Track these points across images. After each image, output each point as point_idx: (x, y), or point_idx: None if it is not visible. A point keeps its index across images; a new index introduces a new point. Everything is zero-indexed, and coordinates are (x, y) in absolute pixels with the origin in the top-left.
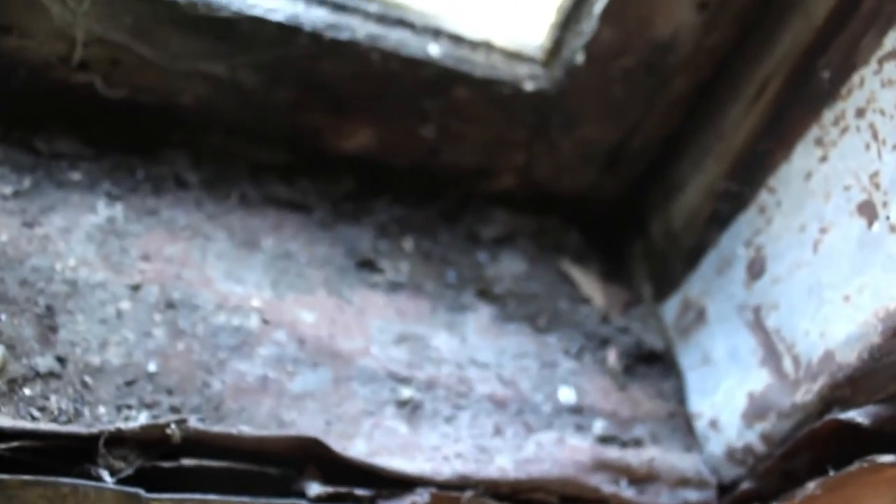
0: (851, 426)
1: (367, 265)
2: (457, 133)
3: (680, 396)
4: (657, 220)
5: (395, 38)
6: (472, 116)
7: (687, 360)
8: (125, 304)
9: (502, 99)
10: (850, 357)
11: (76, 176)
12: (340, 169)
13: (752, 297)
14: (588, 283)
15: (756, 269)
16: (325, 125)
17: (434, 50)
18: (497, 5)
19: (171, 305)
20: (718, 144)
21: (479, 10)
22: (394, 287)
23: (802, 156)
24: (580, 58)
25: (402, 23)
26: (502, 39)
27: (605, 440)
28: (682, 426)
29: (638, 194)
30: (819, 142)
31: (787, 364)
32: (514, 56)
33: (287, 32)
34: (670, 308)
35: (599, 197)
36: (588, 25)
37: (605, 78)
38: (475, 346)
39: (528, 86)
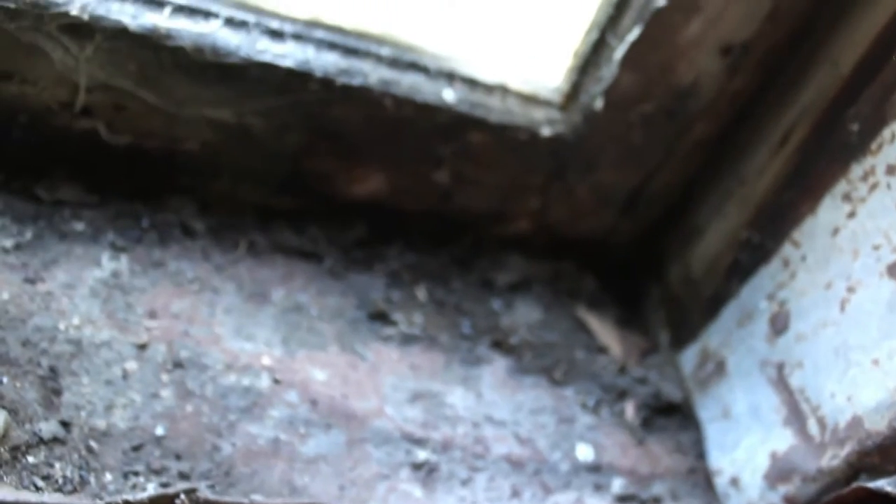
0: (881, 495)
1: (380, 317)
2: (471, 178)
3: (699, 450)
4: (675, 265)
5: (409, 82)
6: (487, 161)
7: (706, 412)
8: (132, 365)
9: (518, 144)
10: (879, 425)
11: (79, 226)
12: (351, 214)
13: (774, 352)
14: (604, 331)
15: (779, 325)
16: (336, 170)
17: (449, 95)
18: (512, 47)
19: (178, 365)
20: (740, 190)
21: (495, 51)
22: (407, 340)
23: (829, 210)
24: (599, 104)
25: (415, 66)
26: (518, 82)
27: (624, 500)
28: (701, 483)
29: (656, 238)
30: (847, 197)
31: (812, 426)
32: (531, 100)
33: (297, 78)
34: (688, 358)
35: (616, 241)
36: (608, 71)
37: (624, 123)
38: (491, 403)
39: (545, 131)
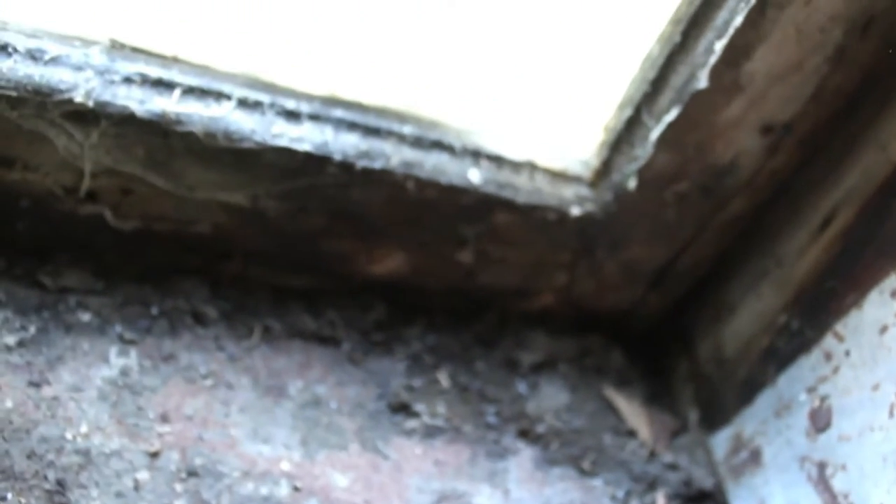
0: None
1: (402, 408)
2: (496, 257)
3: None
4: (705, 341)
5: (433, 163)
6: (513, 240)
7: (739, 503)
8: (143, 475)
9: (546, 224)
10: None
11: (85, 316)
12: (370, 294)
13: (815, 450)
14: (632, 412)
15: (821, 422)
16: (355, 251)
17: (474, 175)
18: (540, 119)
19: (193, 473)
20: (777, 271)
21: (522, 124)
22: (431, 432)
23: (877, 305)
24: (632, 183)
25: (439, 145)
26: (546, 157)
27: None
28: None
29: (685, 312)
30: None
31: None
32: (560, 176)
33: (315, 162)
34: (720, 442)
35: (643, 313)
36: (642, 150)
37: (657, 202)
38: (519, 501)
39: (575, 210)
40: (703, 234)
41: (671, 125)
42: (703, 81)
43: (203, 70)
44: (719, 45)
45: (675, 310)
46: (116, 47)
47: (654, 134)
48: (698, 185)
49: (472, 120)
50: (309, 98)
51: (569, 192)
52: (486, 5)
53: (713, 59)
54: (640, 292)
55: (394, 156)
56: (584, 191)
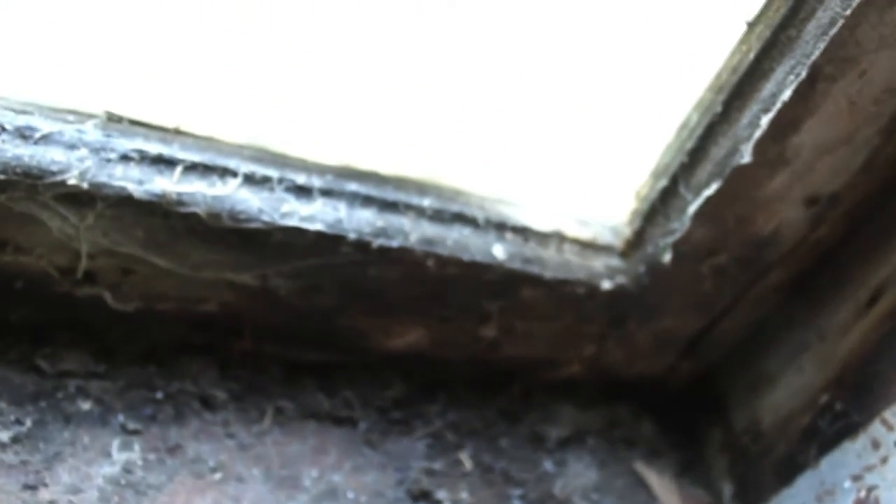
0: None
1: (423, 497)
2: (521, 330)
3: None
4: (741, 411)
5: (455, 238)
6: (540, 315)
7: None
8: None
9: (575, 298)
10: None
11: (86, 404)
12: (387, 370)
13: None
14: (664, 488)
15: None
16: (371, 327)
17: (499, 251)
18: (567, 184)
19: None
20: (819, 346)
21: (548, 190)
22: None
23: None
24: (667, 256)
25: (461, 218)
26: (574, 226)
27: None
28: None
29: (718, 379)
30: None
31: None
32: (589, 247)
33: (328, 241)
34: None
35: (675, 380)
36: (679, 223)
37: (693, 274)
38: None
39: (605, 284)
40: (741, 303)
41: (710, 199)
42: (746, 156)
43: (206, 143)
44: (766, 119)
45: (708, 376)
46: (113, 120)
47: (692, 207)
48: (737, 256)
49: (496, 187)
50: (321, 170)
51: (599, 263)
52: (508, 68)
53: (758, 133)
54: (671, 360)
55: (413, 232)
56: (615, 262)
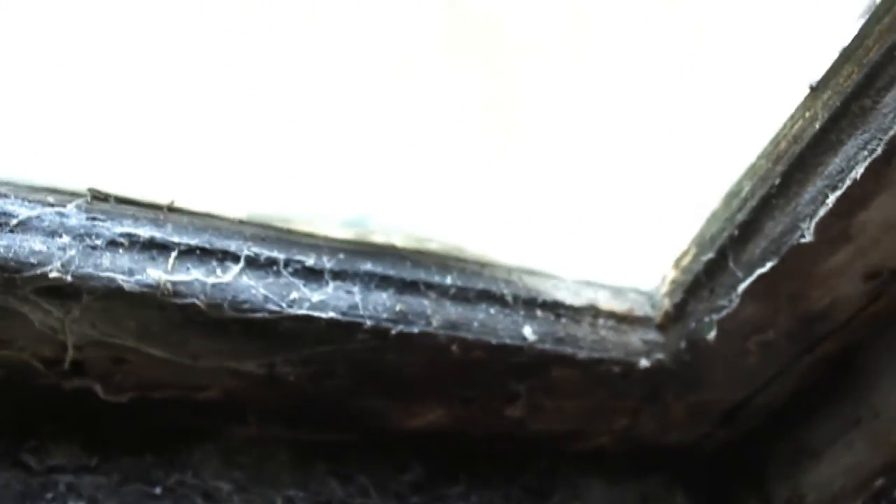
0: None
1: None
2: (550, 408)
3: None
4: (781, 485)
5: (481, 320)
6: (572, 393)
7: None
8: None
9: (610, 376)
10: None
11: None
12: (405, 451)
13: None
14: None
15: None
16: (387, 408)
17: (529, 331)
18: (600, 250)
19: None
20: (872, 423)
21: (579, 255)
22: None
23: None
24: (711, 333)
25: (488, 296)
26: (609, 298)
27: None
28: None
29: (757, 449)
30: None
31: None
32: (624, 319)
33: (342, 329)
34: None
35: (710, 449)
36: (727, 300)
37: (737, 350)
38: None
39: (643, 362)
40: (785, 374)
41: (763, 277)
42: (808, 235)
43: (203, 221)
44: (832, 198)
45: (745, 445)
46: (98, 199)
47: (743, 285)
48: (786, 332)
49: (524, 255)
50: (331, 248)
51: (635, 338)
52: (531, 129)
53: (823, 212)
54: (707, 428)
55: (435, 315)
56: (653, 335)
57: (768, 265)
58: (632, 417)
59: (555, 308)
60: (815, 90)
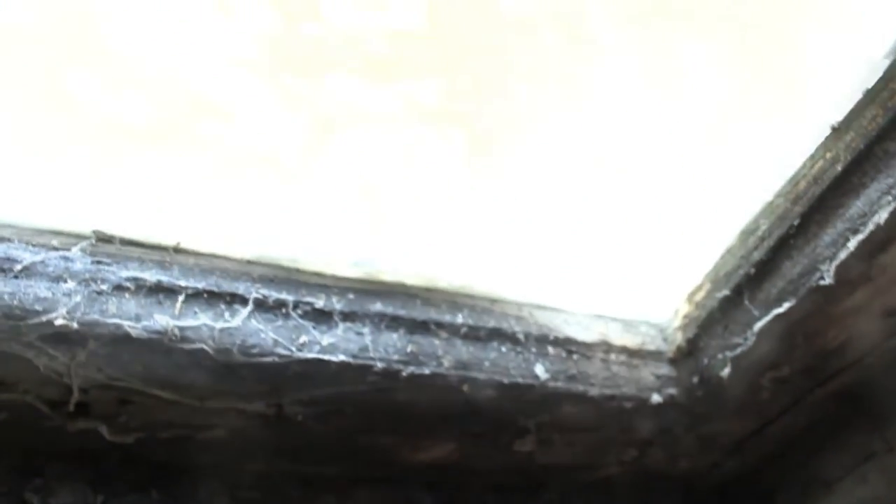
0: None
1: None
2: (560, 442)
3: None
4: None
5: (492, 360)
6: (582, 427)
7: None
8: None
9: (621, 412)
10: None
11: None
12: (413, 483)
13: None
14: None
15: None
16: (396, 444)
17: (541, 370)
18: (611, 284)
19: None
20: (887, 457)
21: (590, 289)
22: None
23: None
24: (725, 370)
25: (499, 335)
26: (620, 332)
27: None
28: None
29: (766, 477)
30: None
31: None
32: (636, 354)
33: (352, 371)
34: None
35: (718, 477)
36: (741, 338)
37: (750, 386)
38: None
39: (654, 398)
40: (798, 407)
41: (780, 316)
42: (828, 278)
43: (210, 262)
44: (854, 241)
45: (756, 475)
46: (103, 241)
47: (759, 324)
48: (801, 368)
49: (534, 290)
50: (340, 288)
51: (647, 373)
52: (535, 161)
53: (844, 254)
54: (716, 457)
55: (445, 356)
56: (665, 369)
57: (785, 305)
58: (641, 449)
59: (566, 344)
60: (837, 131)
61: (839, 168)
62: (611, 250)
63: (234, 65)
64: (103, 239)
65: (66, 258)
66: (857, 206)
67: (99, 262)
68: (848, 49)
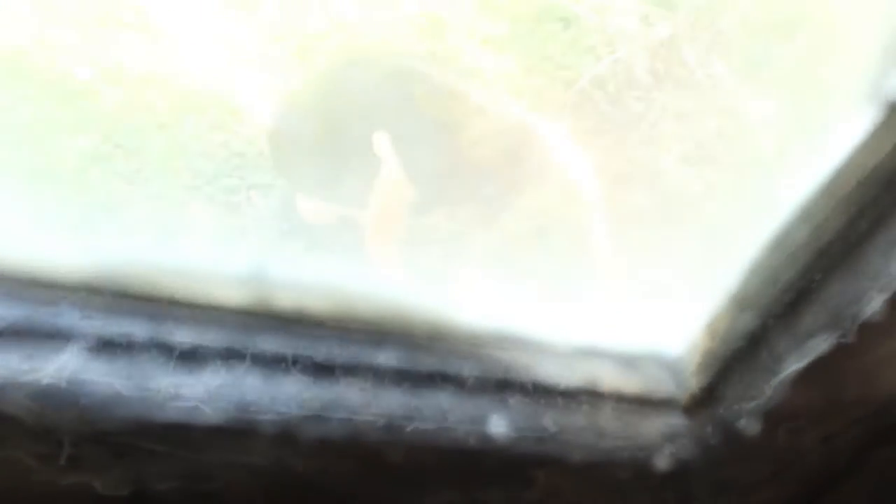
0: None
1: None
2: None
3: None
4: None
5: (416, 407)
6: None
7: None
8: None
9: (620, 481)
10: None
11: None
12: None
13: None
14: None
15: None
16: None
17: (498, 425)
18: (607, 304)
19: None
20: None
21: (582, 313)
22: None
23: None
24: (752, 427)
25: (440, 378)
26: (615, 372)
27: None
28: None
29: None
30: None
31: None
32: (645, 403)
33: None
34: None
35: None
36: (769, 387)
37: (789, 445)
38: None
39: (661, 462)
40: (849, 474)
41: (819, 360)
42: (877, 311)
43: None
44: None
45: None
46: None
47: (791, 367)
48: (853, 420)
49: (495, 317)
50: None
51: (653, 430)
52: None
53: None
54: None
55: (364, 409)
56: (677, 421)
57: (825, 345)
58: None
59: (537, 391)
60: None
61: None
62: (603, 262)
63: None
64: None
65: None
66: None
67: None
68: None
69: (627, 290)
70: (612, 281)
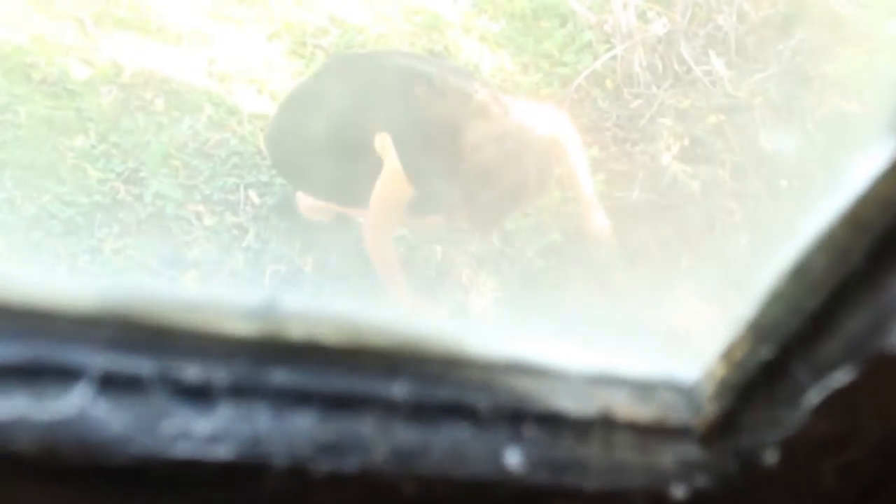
0: None
1: None
2: None
3: None
4: None
5: (446, 445)
6: None
7: None
8: None
9: None
10: None
11: None
12: None
13: None
14: None
15: None
16: None
17: (513, 457)
18: (617, 330)
19: None
20: None
21: (590, 338)
22: None
23: None
24: (770, 456)
25: (456, 411)
26: (630, 401)
27: None
28: None
29: None
30: None
31: None
32: (655, 432)
33: (241, 472)
34: None
35: None
36: (790, 416)
37: (809, 474)
38: None
39: (678, 492)
40: (876, 501)
41: (840, 390)
42: None
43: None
44: None
45: None
46: None
47: (814, 396)
48: (874, 449)
49: (508, 345)
50: (226, 352)
51: (667, 461)
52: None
53: None
54: None
55: (378, 443)
56: (692, 451)
57: (848, 375)
58: None
59: (552, 422)
60: None
61: None
62: (618, 287)
63: None
64: None
65: None
66: None
67: None
68: None
69: (641, 314)
70: (625, 306)
